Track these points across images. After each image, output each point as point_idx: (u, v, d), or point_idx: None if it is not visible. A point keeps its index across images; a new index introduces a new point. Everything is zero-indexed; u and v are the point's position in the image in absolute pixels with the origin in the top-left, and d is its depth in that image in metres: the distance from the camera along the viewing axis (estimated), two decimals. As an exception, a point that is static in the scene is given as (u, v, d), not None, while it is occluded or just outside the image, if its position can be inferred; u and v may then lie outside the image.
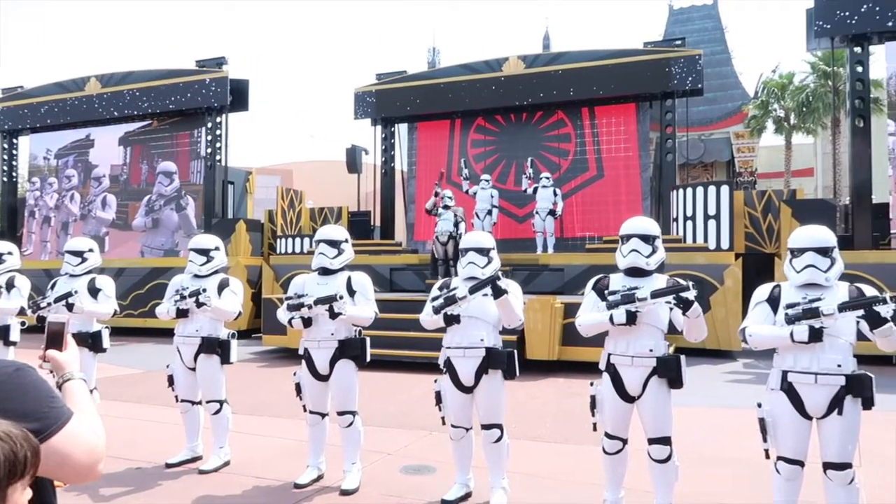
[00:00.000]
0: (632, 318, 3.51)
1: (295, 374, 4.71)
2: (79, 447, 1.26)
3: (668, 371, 3.59)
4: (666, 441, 3.66)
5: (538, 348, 9.37)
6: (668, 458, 3.67)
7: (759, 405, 3.31)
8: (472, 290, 3.92)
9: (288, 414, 6.61)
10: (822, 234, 3.37)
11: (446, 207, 11.42)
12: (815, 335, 3.08)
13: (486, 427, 4.14)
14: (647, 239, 3.77)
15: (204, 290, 4.87)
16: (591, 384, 3.83)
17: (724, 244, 11.23)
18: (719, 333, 10.28)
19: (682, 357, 3.63)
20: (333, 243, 4.64)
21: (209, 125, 15.69)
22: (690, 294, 3.44)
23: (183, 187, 15.99)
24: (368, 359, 4.62)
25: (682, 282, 3.55)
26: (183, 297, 4.91)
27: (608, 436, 3.78)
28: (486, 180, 13.25)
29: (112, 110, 16.42)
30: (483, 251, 4.21)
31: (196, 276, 5.11)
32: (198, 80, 15.55)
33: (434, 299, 4.11)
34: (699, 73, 13.47)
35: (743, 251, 11.65)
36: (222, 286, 5.06)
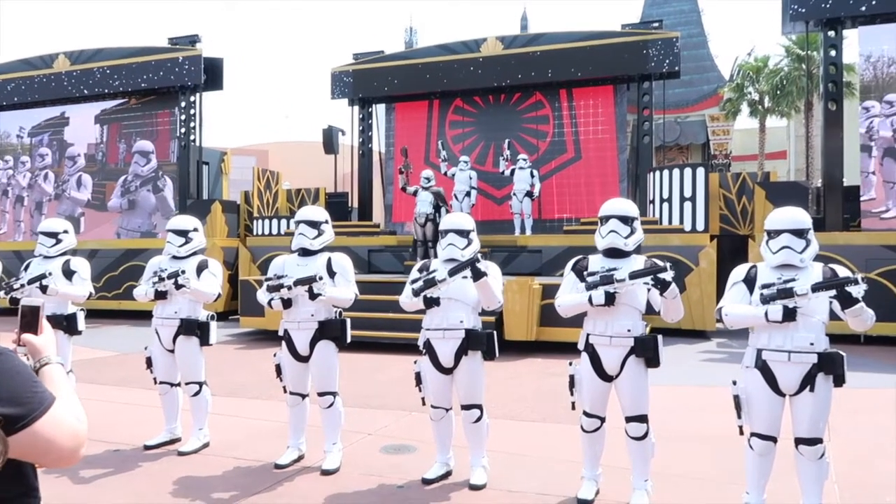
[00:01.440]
0: (610, 299, 3.56)
1: (275, 355, 4.69)
2: (62, 432, 1.25)
3: (646, 351, 3.66)
4: (643, 419, 3.74)
5: (517, 329, 9.44)
6: (645, 436, 3.75)
7: (734, 383, 3.39)
8: (452, 273, 3.93)
9: (267, 395, 6.60)
10: (797, 216, 3.42)
11: (425, 189, 11.36)
12: (789, 314, 3.14)
13: (465, 407, 4.18)
14: (626, 220, 3.82)
15: (183, 272, 4.82)
16: (570, 364, 3.88)
17: (700, 226, 11.36)
18: (694, 314, 10.44)
19: (660, 337, 3.69)
20: (313, 224, 4.61)
21: (183, 104, 15.41)
22: (668, 275, 3.50)
23: (161, 168, 15.70)
24: (349, 340, 4.63)
25: (659, 263, 3.60)
26: (161, 279, 4.86)
27: (586, 414, 3.84)
28: (465, 162, 13.19)
29: (82, 88, 16.02)
30: (463, 233, 4.23)
31: (174, 257, 5.05)
32: (170, 59, 15.24)
33: (413, 281, 4.10)
34: (676, 55, 13.53)
35: (717, 233, 11.81)
36: (201, 268, 5.01)
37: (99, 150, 16.40)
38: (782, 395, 3.32)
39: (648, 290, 3.63)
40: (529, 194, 12.79)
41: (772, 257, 3.38)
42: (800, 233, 3.35)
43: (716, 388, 6.40)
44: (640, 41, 13.69)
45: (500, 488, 4.13)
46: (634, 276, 3.54)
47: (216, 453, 4.88)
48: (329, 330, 4.53)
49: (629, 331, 3.69)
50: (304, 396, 4.68)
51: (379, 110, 16.61)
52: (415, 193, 11.48)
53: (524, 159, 12.90)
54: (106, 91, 15.88)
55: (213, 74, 15.26)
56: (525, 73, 14.38)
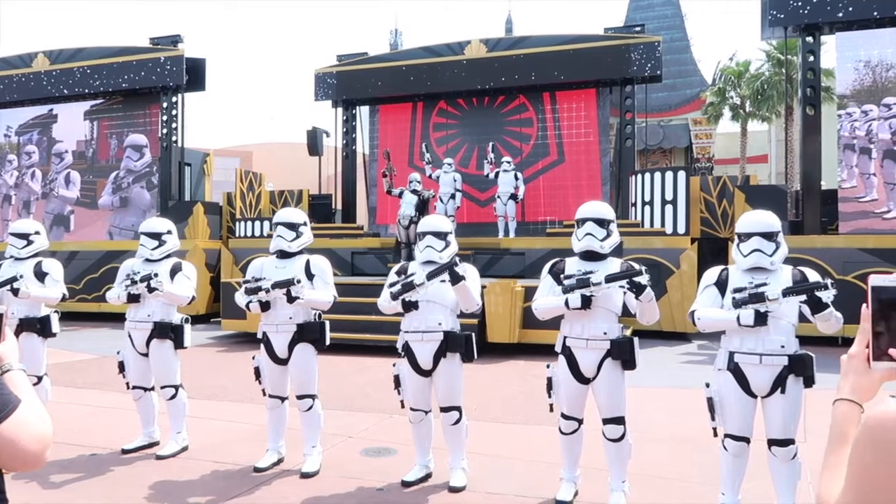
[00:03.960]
0: (586, 303, 3.60)
1: (254, 358, 4.66)
2: (27, 435, 1.24)
3: (622, 353, 3.69)
4: (619, 421, 3.77)
5: (499, 331, 9.46)
6: (622, 437, 3.77)
7: (707, 385, 3.45)
8: (430, 276, 3.93)
9: (247, 398, 6.56)
10: (767, 219, 3.47)
11: (414, 192, 11.35)
12: (761, 319, 3.21)
13: (444, 409, 4.18)
14: (602, 223, 3.83)
15: (155, 275, 4.75)
16: (548, 366, 3.89)
17: (681, 229, 11.47)
18: (675, 316, 10.52)
19: (636, 339, 3.72)
20: (292, 226, 4.59)
21: (164, 105, 15.29)
22: (643, 279, 3.53)
23: (154, 163, 15.48)
24: (328, 342, 4.61)
25: (635, 266, 3.64)
26: (134, 282, 4.79)
27: (564, 416, 3.87)
28: (449, 164, 13.20)
29: (62, 88, 15.85)
30: (440, 235, 4.22)
31: (148, 260, 4.99)
32: (152, 59, 15.11)
33: (391, 285, 4.09)
34: (658, 59, 13.65)
35: (698, 236, 11.93)
36: (175, 270, 4.95)
37: (89, 146, 16.16)
38: (754, 396, 3.38)
39: (624, 293, 3.65)
40: (514, 197, 12.82)
41: (742, 260, 3.43)
42: (769, 235, 3.41)
43: (696, 390, 6.46)
44: (623, 45, 13.78)
45: (480, 490, 4.14)
46: (610, 279, 3.57)
47: (195, 457, 4.84)
48: (308, 332, 4.50)
49: (605, 334, 3.71)
50: (283, 399, 4.66)
51: (363, 112, 16.58)
52: (400, 195, 11.47)
53: (508, 162, 12.94)
54: (86, 91, 15.72)
55: (195, 75, 15.17)
56: (509, 75, 14.43)
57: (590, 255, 3.83)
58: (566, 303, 3.63)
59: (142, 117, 15.72)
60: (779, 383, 3.30)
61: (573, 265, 3.84)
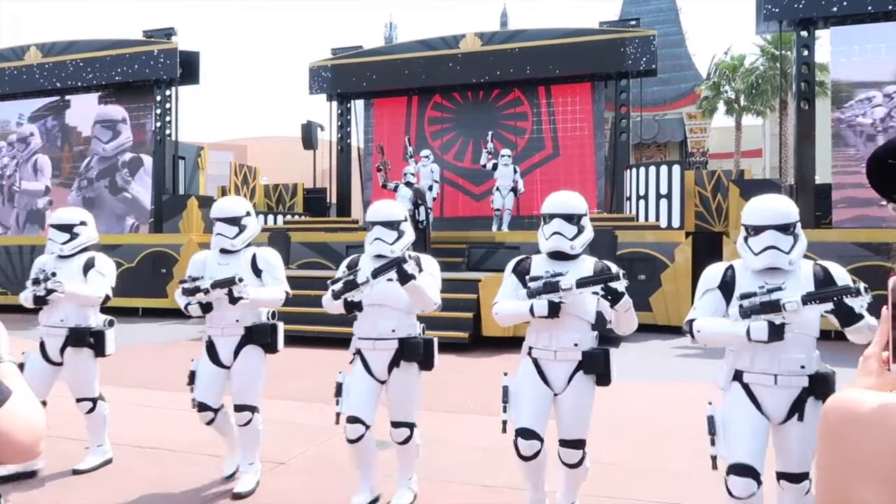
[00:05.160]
0: (554, 311, 3.08)
1: (193, 360, 4.17)
2: (20, 426, 1.24)
3: (595, 367, 3.22)
4: (579, 444, 3.25)
5: (493, 325, 9.46)
6: (580, 463, 3.28)
7: (710, 403, 2.89)
8: (375, 274, 3.39)
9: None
10: (783, 207, 2.86)
11: (408, 185, 11.31)
12: (776, 333, 2.60)
13: (395, 425, 3.69)
14: (571, 219, 3.31)
15: (53, 275, 4.07)
16: (505, 374, 3.35)
17: (675, 223, 11.50)
18: (669, 309, 10.56)
19: (612, 350, 3.26)
20: (232, 220, 4.07)
21: (158, 98, 15.21)
22: (620, 284, 3.06)
23: (137, 149, 15.21)
24: (281, 346, 4.15)
25: (612, 267, 3.22)
26: (37, 282, 4.12)
27: (523, 434, 3.17)
28: (427, 157, 13.00)
29: (54, 81, 15.74)
30: (391, 224, 3.68)
31: (60, 256, 4.32)
32: (145, 52, 15.03)
33: (334, 281, 3.56)
34: (653, 53, 13.65)
35: (693, 230, 11.96)
36: (88, 266, 4.30)
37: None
38: (768, 419, 2.82)
39: (598, 299, 3.20)
40: (514, 190, 12.71)
41: (754, 259, 2.82)
42: (786, 228, 2.80)
43: (691, 383, 6.50)
44: (618, 39, 13.78)
45: (475, 483, 4.15)
46: (582, 284, 3.06)
47: (189, 450, 4.84)
48: (258, 335, 4.05)
49: (576, 345, 3.23)
50: (214, 411, 4.06)
51: (358, 106, 16.55)
52: (395, 189, 11.45)
53: (508, 155, 12.77)
54: (79, 84, 15.62)
55: (189, 68, 15.09)
56: (504, 69, 14.41)
57: (559, 255, 3.32)
58: (531, 310, 3.10)
59: (135, 110, 15.62)
60: (796, 408, 2.75)
61: (540, 265, 3.32)
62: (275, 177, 20.89)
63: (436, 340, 3.71)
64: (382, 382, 3.68)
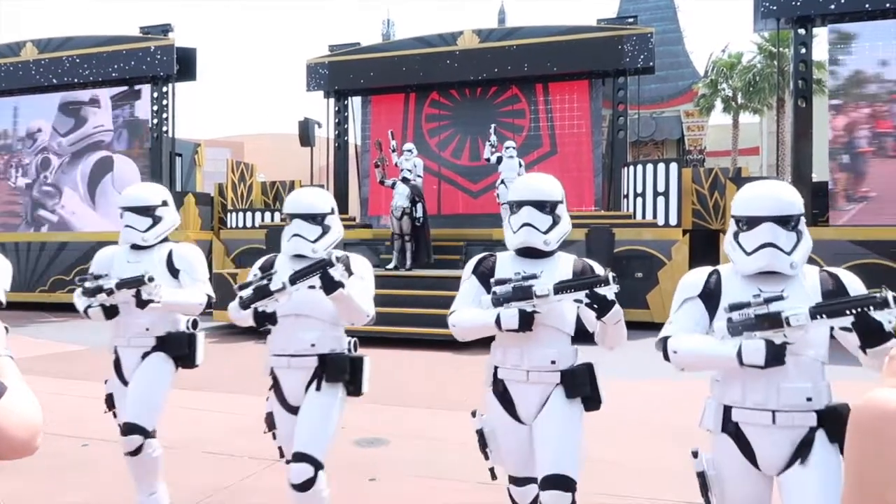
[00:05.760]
0: (526, 322, 2.46)
1: (106, 382, 3.59)
2: (15, 422, 1.23)
3: (578, 387, 2.59)
4: (566, 485, 2.49)
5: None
6: None
7: (696, 454, 2.30)
8: (293, 280, 2.74)
9: (239, 389, 6.56)
10: (785, 195, 2.25)
11: (405, 181, 11.29)
12: (775, 355, 2.00)
13: (297, 457, 2.83)
14: (544, 207, 2.66)
15: (151, 279, 3.17)
16: (474, 414, 2.78)
17: (673, 220, 11.51)
18: (666, 307, 10.50)
19: (594, 366, 2.65)
20: (144, 210, 3.44)
21: (155, 95, 15.17)
22: (609, 290, 2.40)
23: (114, 142, 15.21)
24: (200, 361, 3.53)
25: (598, 269, 2.63)
26: (101, 290, 3.23)
27: (514, 481, 2.78)
28: (409, 151, 12.71)
29: (50, 77, 15.68)
30: (314, 217, 2.99)
31: (136, 246, 3.50)
32: (142, 48, 14.98)
33: (242, 287, 2.88)
34: (651, 51, 13.64)
35: (690, 227, 11.98)
36: (171, 260, 3.49)
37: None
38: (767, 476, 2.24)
39: (579, 306, 2.56)
40: None
41: (746, 261, 2.22)
42: (787, 221, 2.20)
43: (686, 381, 6.50)
44: (616, 36, 13.77)
45: (471, 480, 4.16)
46: (562, 288, 2.44)
47: (187, 447, 4.84)
48: (171, 346, 3.43)
49: (553, 363, 2.59)
50: (145, 435, 3.32)
51: (355, 103, 16.52)
52: (393, 186, 11.43)
53: (512, 147, 12.24)
54: (75, 80, 15.57)
55: (185, 64, 15.05)
56: (501, 66, 14.39)
57: (530, 252, 2.69)
58: (497, 321, 2.48)
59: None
60: (800, 453, 2.13)
61: (507, 265, 2.69)
62: (272, 174, 20.86)
63: (367, 360, 3.04)
64: (297, 410, 2.95)
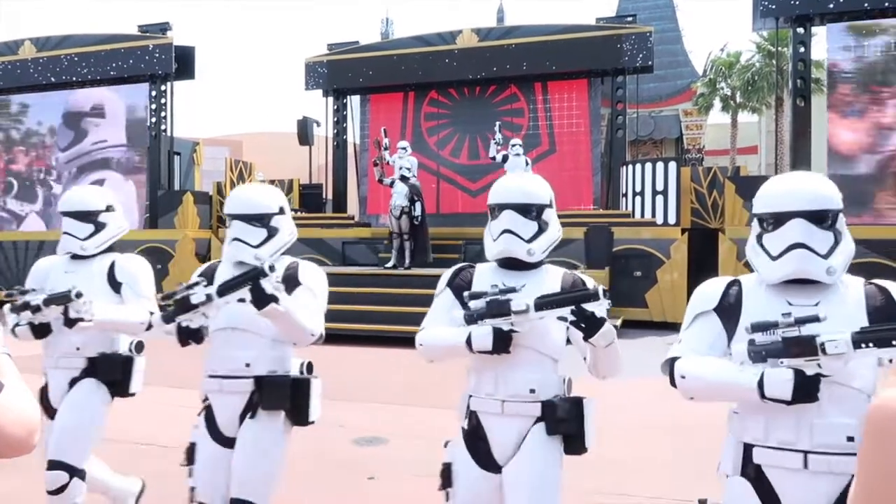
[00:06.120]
0: (503, 343, 2.10)
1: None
2: (12, 419, 1.23)
3: (562, 423, 2.18)
4: None
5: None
6: None
7: (703, 503, 1.97)
8: (221, 292, 2.32)
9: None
10: (819, 188, 1.86)
11: (403, 179, 11.27)
12: (806, 389, 1.64)
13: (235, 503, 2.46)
14: (528, 211, 2.29)
15: (79, 296, 2.69)
16: (446, 444, 2.35)
17: (672, 219, 11.52)
18: (665, 305, 10.59)
19: (589, 402, 2.22)
20: (84, 216, 3.04)
21: (153, 93, 15.15)
22: (598, 306, 2.02)
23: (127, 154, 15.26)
24: (137, 389, 3.10)
25: (588, 282, 2.22)
26: (30, 307, 2.74)
27: None
28: (404, 148, 12.54)
29: (49, 76, 15.67)
30: (258, 219, 2.59)
31: (75, 256, 3.09)
32: (140, 46, 14.97)
33: (166, 298, 2.44)
34: (650, 50, 13.65)
35: (689, 226, 11.99)
36: (113, 273, 3.05)
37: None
38: None
39: (567, 327, 2.16)
40: None
41: (771, 266, 1.84)
42: (822, 217, 1.82)
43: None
44: (614, 35, 13.78)
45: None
46: (544, 304, 2.07)
47: (185, 446, 4.83)
48: (103, 370, 2.99)
49: (533, 391, 2.19)
50: (71, 474, 2.89)
51: (354, 101, 16.52)
52: (391, 185, 11.42)
53: (518, 144, 12.02)
54: (73, 79, 15.56)
55: (184, 63, 15.05)
56: (500, 65, 14.40)
57: (511, 263, 2.31)
58: (468, 342, 2.12)
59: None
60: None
61: (486, 276, 2.33)
62: (270, 173, 20.83)
63: (317, 382, 2.62)
64: (232, 443, 2.53)
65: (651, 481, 4.12)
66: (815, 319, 1.64)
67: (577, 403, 2.22)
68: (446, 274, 2.44)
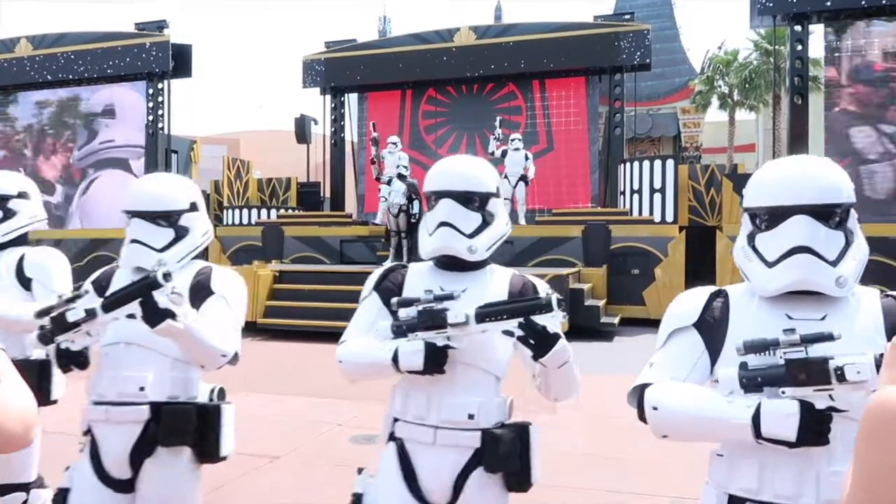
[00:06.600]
0: (435, 361, 1.73)
1: None
2: (10, 414, 1.22)
3: (501, 460, 1.80)
4: None
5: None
6: None
7: None
8: (107, 306, 1.86)
9: (233, 388, 6.55)
10: (826, 176, 1.49)
11: (401, 177, 11.26)
12: (815, 428, 1.30)
13: None
14: (470, 200, 1.91)
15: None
16: (360, 472, 1.99)
17: (669, 217, 11.53)
18: (662, 302, 10.52)
19: (534, 428, 1.86)
20: None
21: (150, 91, 15.12)
22: (551, 319, 1.64)
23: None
24: (59, 395, 2.62)
25: (542, 287, 1.91)
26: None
27: None
28: (394, 144, 12.45)
29: (45, 73, 15.64)
30: (165, 217, 2.15)
31: None
32: (137, 44, 14.93)
33: (41, 313, 1.94)
34: (647, 47, 13.66)
35: (686, 224, 12.00)
36: (21, 268, 2.68)
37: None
38: None
39: (515, 343, 1.77)
40: (523, 178, 11.99)
41: (766, 275, 1.49)
42: (829, 213, 1.47)
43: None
44: (612, 33, 13.78)
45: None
46: (486, 315, 1.69)
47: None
48: None
49: (471, 417, 1.81)
50: (26, 489, 2.72)
51: (351, 99, 16.51)
52: (388, 182, 11.40)
53: (518, 139, 12.01)
54: (70, 77, 15.52)
55: (181, 61, 15.02)
56: (498, 63, 14.40)
57: (452, 262, 1.93)
58: (395, 359, 1.74)
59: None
60: None
61: (420, 278, 1.96)
62: (268, 171, 20.82)
63: (230, 409, 2.18)
64: (122, 488, 2.06)
65: (650, 479, 4.12)
66: (828, 338, 1.30)
67: (523, 433, 1.84)
68: (373, 275, 2.04)
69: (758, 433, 1.32)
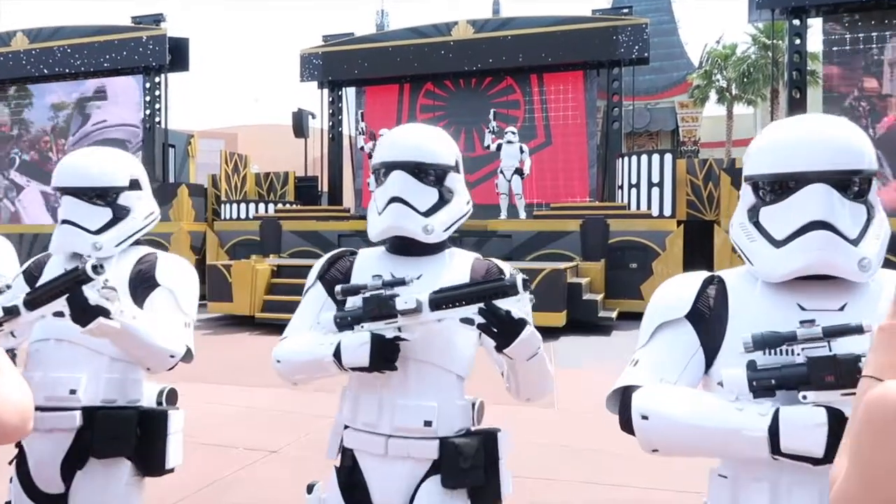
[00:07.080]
0: (384, 356, 1.49)
1: None
2: (7, 406, 1.23)
3: (464, 472, 1.55)
4: None
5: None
6: None
7: None
8: (31, 303, 1.63)
9: (231, 381, 6.56)
10: (847, 137, 1.23)
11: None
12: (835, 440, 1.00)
13: None
14: (425, 174, 1.66)
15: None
16: (310, 489, 1.70)
17: (667, 211, 11.53)
18: (660, 298, 10.61)
19: (503, 435, 1.64)
20: None
21: (147, 85, 15.07)
22: (516, 304, 1.41)
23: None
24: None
25: (506, 269, 1.70)
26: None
27: None
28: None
29: (41, 67, 15.58)
30: (100, 195, 1.91)
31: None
32: (134, 38, 14.88)
33: None
34: (645, 42, 13.64)
35: (684, 218, 12.02)
36: None
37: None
38: None
39: (480, 334, 1.52)
40: (519, 171, 11.91)
41: (774, 256, 1.25)
42: (846, 182, 1.22)
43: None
44: (610, 27, 13.76)
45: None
46: (443, 301, 1.44)
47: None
48: None
49: (430, 424, 1.57)
50: None
51: (349, 93, 16.47)
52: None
53: (513, 132, 11.91)
54: (66, 71, 15.46)
55: (178, 54, 14.97)
56: (496, 57, 14.38)
57: (406, 245, 1.69)
58: (337, 355, 1.50)
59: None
60: None
61: (369, 265, 1.71)
62: (266, 165, 20.80)
63: (178, 416, 1.99)
64: (56, 501, 1.84)
65: (647, 472, 4.14)
66: (856, 330, 1.08)
67: (488, 441, 1.61)
68: (318, 263, 1.79)
69: (775, 448, 1.09)
